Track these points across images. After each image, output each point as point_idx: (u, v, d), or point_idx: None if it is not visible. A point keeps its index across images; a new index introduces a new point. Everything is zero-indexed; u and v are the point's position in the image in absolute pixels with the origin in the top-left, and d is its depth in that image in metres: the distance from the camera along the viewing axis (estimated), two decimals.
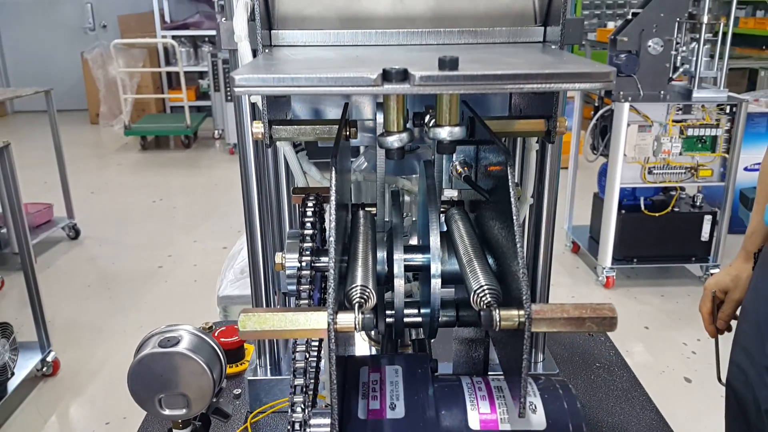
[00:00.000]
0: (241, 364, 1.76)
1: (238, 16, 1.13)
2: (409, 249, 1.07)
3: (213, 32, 8.39)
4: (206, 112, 8.49)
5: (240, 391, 1.63)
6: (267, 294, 1.53)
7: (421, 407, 0.90)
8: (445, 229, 1.15)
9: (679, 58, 3.83)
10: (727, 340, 1.64)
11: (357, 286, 0.86)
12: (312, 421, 0.87)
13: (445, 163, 1.24)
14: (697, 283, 4.22)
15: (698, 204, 4.13)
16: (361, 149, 1.61)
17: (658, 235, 4.08)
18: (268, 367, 1.58)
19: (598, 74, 0.77)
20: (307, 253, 1.04)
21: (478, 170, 1.17)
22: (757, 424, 1.47)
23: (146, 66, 8.46)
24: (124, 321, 3.82)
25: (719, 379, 1.66)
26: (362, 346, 1.52)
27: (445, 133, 0.97)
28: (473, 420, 0.88)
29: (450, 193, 1.24)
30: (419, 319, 1.04)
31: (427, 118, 1.08)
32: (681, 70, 3.85)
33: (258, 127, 1.07)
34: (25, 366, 3.05)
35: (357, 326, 0.80)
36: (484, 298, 0.82)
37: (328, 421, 0.86)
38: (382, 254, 1.08)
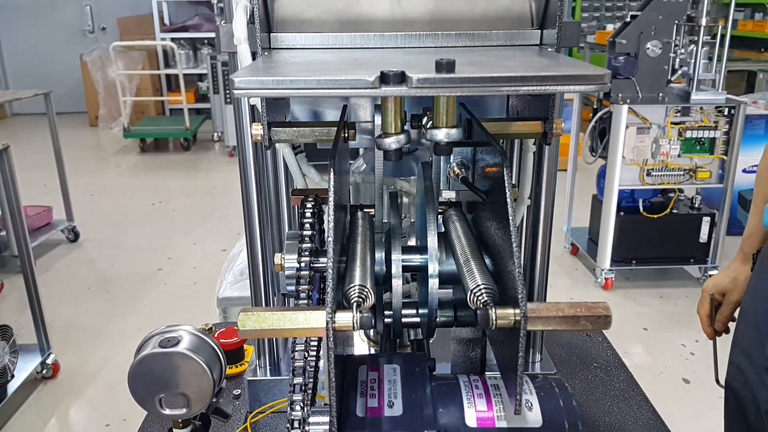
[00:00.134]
0: (240, 365, 1.77)
1: (237, 18, 1.14)
2: (407, 249, 1.08)
3: (212, 35, 8.41)
4: (205, 115, 8.50)
5: (240, 391, 1.64)
6: (266, 295, 1.54)
7: (419, 405, 0.91)
8: (443, 229, 1.16)
9: (677, 60, 3.85)
10: (725, 341, 1.64)
11: (355, 285, 0.87)
12: (311, 419, 0.88)
13: (443, 165, 1.25)
14: (695, 284, 4.24)
15: (697, 206, 4.14)
16: (360, 151, 1.62)
17: (657, 236, 4.09)
18: (268, 367, 1.58)
19: (593, 76, 0.78)
20: (306, 253, 1.05)
21: (475, 172, 1.18)
22: (757, 424, 1.47)
23: (145, 68, 8.47)
24: (124, 323, 3.82)
25: (717, 381, 1.67)
26: (361, 347, 1.53)
27: (442, 134, 0.98)
28: (470, 417, 0.89)
29: (448, 195, 1.25)
30: (417, 319, 1.05)
31: (424, 119, 1.09)
32: (679, 72, 3.87)
33: (257, 129, 1.08)
34: (24, 368, 3.06)
35: (355, 325, 0.81)
36: (480, 297, 0.83)
37: (326, 419, 0.87)
38: (380, 255, 1.09)
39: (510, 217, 0.82)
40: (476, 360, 1.10)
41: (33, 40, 9.63)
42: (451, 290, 1.18)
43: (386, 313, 1.04)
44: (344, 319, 0.81)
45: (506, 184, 0.84)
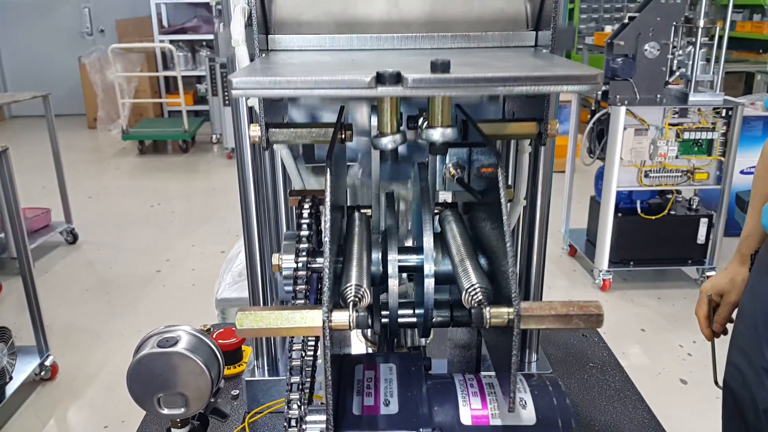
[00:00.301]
0: (239, 366, 1.78)
1: (235, 20, 1.14)
2: (403, 250, 1.08)
3: (211, 37, 8.43)
4: (204, 117, 8.50)
5: (238, 391, 1.65)
6: (264, 296, 1.55)
7: (415, 403, 0.91)
8: (439, 230, 1.17)
9: (675, 61, 3.85)
10: (723, 342, 1.65)
11: (351, 285, 0.88)
12: (308, 417, 0.88)
13: (439, 166, 1.26)
14: (693, 285, 4.24)
15: (694, 207, 4.14)
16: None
17: (655, 238, 4.10)
18: (266, 368, 1.59)
19: (585, 77, 0.79)
20: (304, 254, 1.06)
21: (470, 172, 1.18)
22: (755, 424, 1.48)
23: (144, 70, 8.47)
24: (122, 325, 3.83)
25: (716, 382, 1.67)
26: (359, 348, 1.53)
27: (437, 134, 0.99)
28: (465, 415, 0.90)
29: (444, 196, 1.26)
30: (414, 319, 1.06)
31: (420, 120, 1.10)
32: (677, 73, 3.88)
33: (255, 130, 1.09)
34: (23, 370, 3.06)
35: (351, 324, 0.82)
36: (475, 297, 0.84)
37: (323, 417, 0.88)
38: (377, 255, 1.09)
39: (504, 218, 0.83)
40: (471, 360, 1.11)
41: (31, 42, 9.63)
42: (447, 291, 1.18)
43: (383, 313, 1.04)
44: (341, 318, 0.81)
45: (500, 184, 0.85)
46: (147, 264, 4.67)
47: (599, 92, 3.92)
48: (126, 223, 5.56)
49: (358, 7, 1.21)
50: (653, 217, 4.05)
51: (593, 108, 4.11)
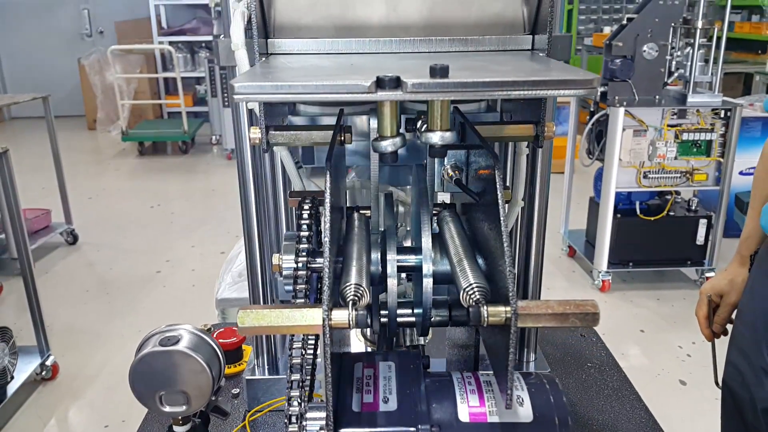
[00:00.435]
0: (239, 365, 1.79)
1: (235, 24, 1.16)
2: (402, 250, 1.10)
3: (210, 38, 8.43)
4: (203, 118, 8.50)
5: (238, 390, 1.66)
6: (265, 296, 1.56)
7: (413, 401, 0.93)
8: (437, 230, 1.18)
9: (674, 62, 3.86)
10: (723, 343, 1.66)
11: (351, 284, 0.89)
12: (308, 414, 0.90)
13: (437, 167, 1.28)
14: (692, 286, 4.26)
15: (693, 208, 4.15)
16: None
17: (654, 239, 4.11)
18: (266, 367, 1.60)
19: (581, 81, 0.80)
20: (304, 254, 1.07)
21: (468, 174, 1.20)
22: (754, 423, 1.49)
23: (143, 72, 8.48)
24: (123, 325, 3.84)
25: (716, 383, 1.67)
26: (358, 348, 1.54)
27: (436, 137, 1.00)
28: (463, 412, 0.91)
29: (443, 197, 1.27)
30: (413, 318, 1.07)
31: (419, 123, 1.11)
32: (676, 74, 3.89)
33: (255, 133, 1.10)
34: (24, 370, 3.07)
35: (351, 323, 0.83)
36: (473, 296, 0.85)
37: (323, 414, 0.89)
38: (376, 255, 1.11)
39: (501, 219, 0.84)
40: (470, 358, 1.12)
41: (31, 43, 9.65)
42: (446, 291, 1.20)
43: (382, 312, 1.06)
44: (340, 316, 0.83)
45: (498, 185, 0.86)
46: (147, 264, 4.68)
47: (598, 93, 3.93)
48: (126, 223, 5.57)
49: (357, 11, 1.23)
50: (652, 218, 4.06)
51: (592, 109, 4.11)
